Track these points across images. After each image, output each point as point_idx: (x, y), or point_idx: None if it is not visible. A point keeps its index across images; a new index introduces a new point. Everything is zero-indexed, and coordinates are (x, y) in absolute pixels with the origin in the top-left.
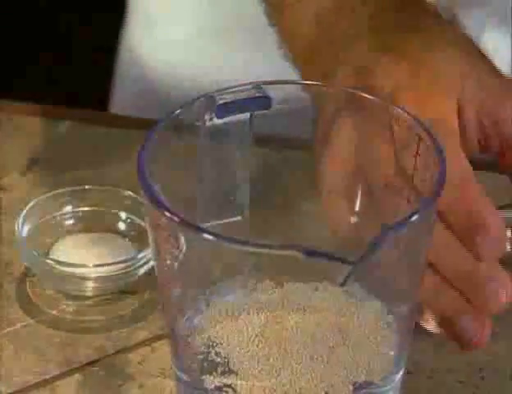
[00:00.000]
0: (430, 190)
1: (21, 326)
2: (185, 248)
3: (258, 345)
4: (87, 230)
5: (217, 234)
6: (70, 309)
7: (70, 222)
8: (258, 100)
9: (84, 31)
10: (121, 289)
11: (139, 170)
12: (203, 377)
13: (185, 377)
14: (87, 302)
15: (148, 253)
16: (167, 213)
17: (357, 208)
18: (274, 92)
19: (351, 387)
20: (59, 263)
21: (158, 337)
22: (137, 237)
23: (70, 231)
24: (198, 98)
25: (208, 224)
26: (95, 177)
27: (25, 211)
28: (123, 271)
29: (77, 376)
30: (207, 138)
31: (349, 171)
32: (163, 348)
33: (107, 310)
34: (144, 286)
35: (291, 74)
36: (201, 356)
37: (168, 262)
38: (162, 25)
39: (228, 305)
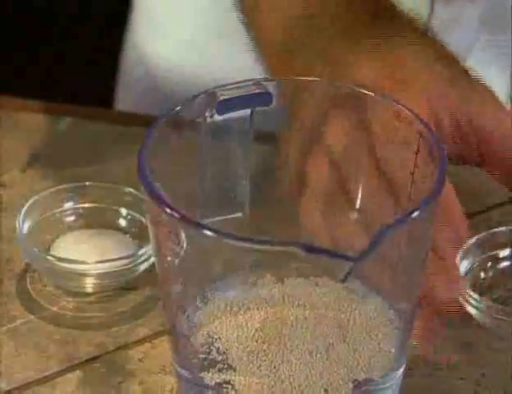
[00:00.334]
0: (430, 187)
1: (22, 322)
2: (185, 244)
3: (257, 341)
4: (87, 226)
5: (217, 230)
6: (71, 306)
7: (71, 218)
8: (258, 97)
9: (84, 30)
10: (121, 285)
11: (139, 167)
12: (204, 373)
13: (185, 373)
14: (87, 299)
15: (148, 249)
16: (168, 210)
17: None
18: (275, 88)
19: (351, 385)
20: (60, 259)
21: (159, 334)
22: (138, 234)
23: (70, 228)
24: (199, 94)
25: (209, 220)
26: (96, 174)
27: (25, 207)
28: (124, 267)
29: (77, 372)
30: (207, 134)
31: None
32: (164, 345)
33: (108, 307)
34: (144, 282)
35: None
36: (201, 352)
37: (169, 258)
38: (166, 23)
39: (228, 301)
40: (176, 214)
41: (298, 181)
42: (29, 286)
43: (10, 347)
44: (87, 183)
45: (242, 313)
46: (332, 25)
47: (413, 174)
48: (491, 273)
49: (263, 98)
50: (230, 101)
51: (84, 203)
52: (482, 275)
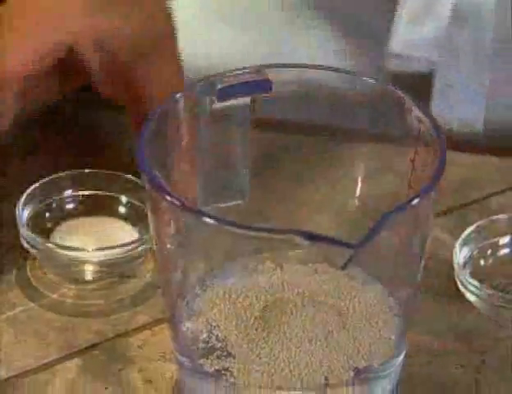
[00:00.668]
0: (431, 174)
1: (21, 310)
2: (185, 232)
3: (257, 329)
4: (87, 214)
5: (217, 218)
6: (71, 293)
7: (71, 205)
8: (258, 84)
9: None
10: (121, 273)
11: (139, 154)
12: (203, 360)
13: (185, 360)
14: (87, 286)
15: (148, 236)
16: (168, 197)
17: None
18: (275, 75)
19: (351, 373)
20: (59, 247)
21: (159, 321)
22: (137, 221)
23: (70, 215)
24: (199, 81)
25: (209, 208)
26: (96, 161)
27: (25, 195)
28: (124, 254)
29: (77, 360)
30: (207, 122)
31: None
32: (164, 332)
33: (108, 294)
34: (144, 270)
35: (292, 57)
36: (200, 340)
37: (168, 246)
38: None
39: (228, 289)
40: (175, 202)
41: None
42: (28, 273)
43: (9, 335)
44: (86, 170)
45: (241, 300)
46: None
47: (413, 161)
48: (491, 261)
49: (263, 85)
50: (229, 88)
51: (84, 190)
52: (482, 262)
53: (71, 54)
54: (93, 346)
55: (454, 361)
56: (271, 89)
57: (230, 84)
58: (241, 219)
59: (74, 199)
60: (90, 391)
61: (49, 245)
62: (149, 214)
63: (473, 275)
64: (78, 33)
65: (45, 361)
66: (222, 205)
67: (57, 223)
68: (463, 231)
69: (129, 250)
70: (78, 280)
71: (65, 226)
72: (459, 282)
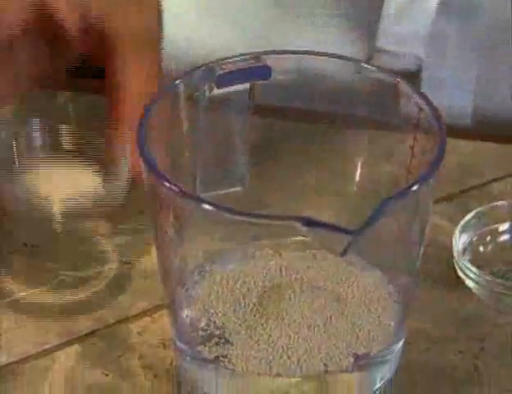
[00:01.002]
0: (430, 161)
1: (21, 296)
2: (184, 218)
3: (255, 315)
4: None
5: (216, 205)
6: (70, 280)
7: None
8: (257, 70)
9: None
10: (120, 259)
11: (138, 141)
12: (202, 347)
13: (184, 347)
14: (87, 273)
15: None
16: (167, 184)
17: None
18: (274, 62)
19: (351, 359)
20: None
21: (158, 308)
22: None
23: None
24: (198, 68)
25: (208, 195)
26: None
27: None
28: (89, 192)
29: (77, 346)
30: (206, 108)
31: None
32: (163, 319)
33: (108, 281)
34: (144, 256)
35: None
36: (199, 327)
37: (168, 233)
38: None
39: (225, 275)
40: (174, 188)
41: None
42: (28, 259)
43: (9, 321)
44: None
45: (239, 286)
46: None
47: (412, 148)
48: (490, 247)
49: (262, 71)
50: (228, 75)
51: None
52: (482, 249)
53: (46, 13)
54: (93, 333)
55: (454, 348)
56: (270, 75)
57: (230, 71)
58: (240, 206)
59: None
60: (90, 378)
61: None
62: (148, 201)
63: (473, 262)
64: None
65: (45, 347)
66: (221, 192)
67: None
68: (462, 217)
69: (94, 187)
70: (78, 267)
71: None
72: (458, 269)
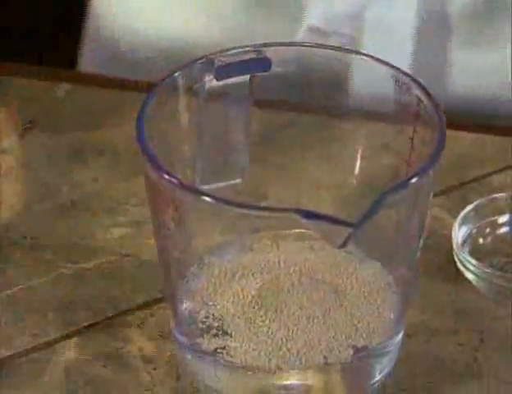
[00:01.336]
0: (430, 153)
1: (20, 288)
2: (184, 211)
3: (254, 307)
4: None
5: (216, 197)
6: (69, 272)
7: None
8: (257, 62)
9: None
10: (120, 251)
11: (137, 133)
12: (201, 339)
13: (183, 339)
14: (87, 265)
15: None
16: (166, 176)
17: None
18: (274, 54)
19: (351, 351)
20: None
21: (158, 300)
22: None
23: None
24: (197, 60)
25: (208, 187)
26: (94, 140)
27: None
28: None
29: (76, 339)
30: (206, 100)
31: None
32: (163, 311)
33: (107, 273)
34: (143, 248)
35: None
36: (199, 319)
37: (167, 225)
38: None
39: (226, 267)
40: (174, 180)
41: None
42: (27, 251)
43: (8, 313)
44: None
45: (237, 278)
46: None
47: (412, 140)
48: (490, 239)
49: (262, 63)
50: (228, 67)
51: None
52: (481, 241)
53: None
54: (92, 325)
55: (453, 340)
56: (270, 67)
57: (229, 63)
58: (240, 198)
59: None
60: (89, 371)
61: None
62: (147, 193)
63: (472, 254)
64: None
65: (44, 340)
66: (221, 184)
67: None
68: (462, 209)
69: None
70: (77, 259)
71: None
72: (458, 261)
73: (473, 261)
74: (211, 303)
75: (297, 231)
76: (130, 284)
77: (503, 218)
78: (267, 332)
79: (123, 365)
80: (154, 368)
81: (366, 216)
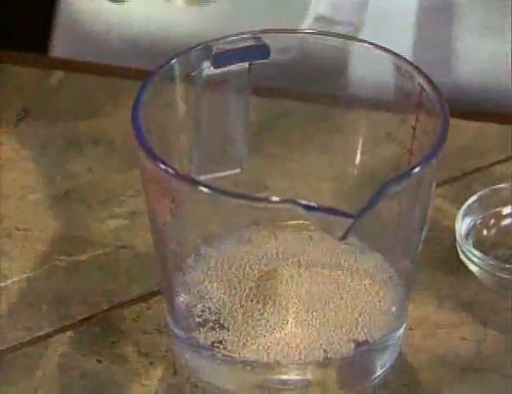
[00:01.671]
0: (432, 142)
1: (13, 281)
2: (180, 202)
3: (251, 300)
4: None
5: (213, 187)
6: (64, 264)
7: None
8: (255, 49)
9: None
10: (115, 243)
11: (133, 122)
12: (198, 333)
13: (180, 333)
14: (81, 257)
15: None
16: (163, 166)
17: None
18: (273, 41)
19: (352, 345)
20: None
21: (154, 293)
22: None
23: None
24: (194, 47)
25: (205, 177)
26: (90, 129)
27: None
28: None
29: (70, 332)
30: (203, 88)
31: None
32: (159, 304)
33: (102, 265)
34: (139, 240)
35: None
36: (195, 312)
37: (163, 216)
38: None
39: (223, 259)
40: (170, 171)
41: None
42: (21, 244)
43: (1, 307)
44: None
45: (234, 270)
46: None
47: (414, 128)
48: (493, 231)
49: (260, 51)
50: (225, 54)
51: None
52: (485, 232)
53: None
54: (87, 319)
55: (456, 334)
56: (268, 55)
57: (226, 50)
58: (238, 189)
59: None
60: (83, 365)
61: None
62: (143, 184)
63: (476, 245)
64: None
65: (37, 334)
66: (219, 174)
67: None
68: (465, 200)
69: None
70: (71, 251)
71: None
72: (461, 253)
73: (477, 253)
74: (207, 296)
75: (296, 222)
76: (125, 277)
77: (507, 209)
78: (266, 325)
79: (118, 360)
80: (150, 363)
81: (367, 207)
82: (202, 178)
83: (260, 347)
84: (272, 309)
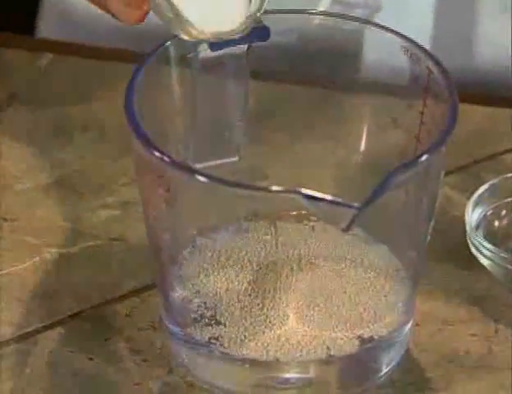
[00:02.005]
0: (441, 128)
1: (1, 275)
2: (175, 191)
3: (250, 295)
4: None
5: (211, 176)
6: (54, 257)
7: None
8: (254, 31)
9: None
10: (107, 235)
11: (126, 107)
12: (194, 329)
13: (175, 329)
14: (71, 249)
15: None
16: (157, 154)
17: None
18: (273, 23)
19: (356, 342)
20: None
21: (148, 287)
22: None
23: None
24: None
25: (201, 165)
26: (80, 115)
27: None
28: None
29: (60, 329)
30: (200, 72)
31: None
32: (153, 299)
33: (93, 258)
34: (132, 232)
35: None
36: (191, 307)
37: (158, 206)
38: None
39: (219, 251)
40: (165, 158)
41: None
42: (8, 236)
43: None
44: None
45: (231, 263)
46: None
47: (422, 114)
48: (505, 222)
49: (260, 32)
50: None
51: None
52: (496, 224)
53: None
54: (78, 314)
55: (466, 330)
56: (268, 36)
57: None
58: (236, 177)
59: None
60: (74, 363)
61: None
62: (137, 172)
63: (487, 237)
64: None
65: (26, 330)
66: (216, 162)
67: None
68: (475, 189)
69: None
70: (61, 243)
71: None
72: (471, 245)
73: (488, 245)
74: (204, 290)
75: (297, 212)
76: (118, 270)
77: None
78: (265, 321)
79: (110, 357)
80: (144, 361)
81: (371, 197)
82: (198, 166)
83: (259, 344)
84: (271, 304)
